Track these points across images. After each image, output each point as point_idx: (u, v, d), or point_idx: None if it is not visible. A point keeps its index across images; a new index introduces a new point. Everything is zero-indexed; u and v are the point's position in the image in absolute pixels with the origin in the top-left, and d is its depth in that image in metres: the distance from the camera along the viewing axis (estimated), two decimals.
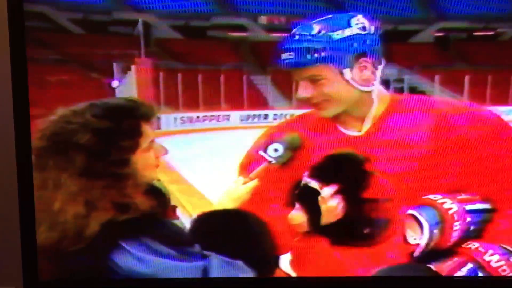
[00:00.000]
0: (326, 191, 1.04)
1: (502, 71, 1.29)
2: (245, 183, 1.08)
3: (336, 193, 1.04)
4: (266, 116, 1.54)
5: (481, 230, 1.07)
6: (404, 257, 1.07)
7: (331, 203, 1.04)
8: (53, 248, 0.91)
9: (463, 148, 1.06)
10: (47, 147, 0.92)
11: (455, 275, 1.06)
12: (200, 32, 1.36)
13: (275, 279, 1.13)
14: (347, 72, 1.03)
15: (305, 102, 1.07)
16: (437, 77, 1.43)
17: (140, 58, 1.34)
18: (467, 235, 1.06)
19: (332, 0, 1.17)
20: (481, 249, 1.05)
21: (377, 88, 1.07)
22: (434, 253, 1.06)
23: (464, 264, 1.06)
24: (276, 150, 1.08)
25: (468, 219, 1.05)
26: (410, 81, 1.31)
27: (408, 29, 1.31)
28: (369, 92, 1.06)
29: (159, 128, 1.21)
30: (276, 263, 1.12)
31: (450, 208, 1.04)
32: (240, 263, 0.97)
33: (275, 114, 1.48)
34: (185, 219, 1.08)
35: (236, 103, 1.52)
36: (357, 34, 1.02)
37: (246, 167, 1.12)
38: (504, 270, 1.05)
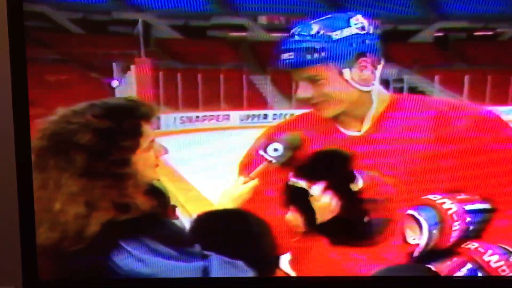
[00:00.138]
0: (316, 189, 1.03)
1: (502, 71, 1.29)
2: (245, 182, 1.08)
3: (326, 189, 1.04)
4: (265, 116, 1.53)
5: (481, 230, 1.07)
6: (404, 257, 1.07)
7: (324, 200, 1.04)
8: (53, 248, 0.92)
9: (462, 148, 1.06)
10: (47, 147, 0.92)
11: (455, 275, 1.06)
12: (200, 32, 1.36)
13: (275, 279, 1.13)
14: (346, 72, 1.03)
15: (305, 102, 1.07)
16: (436, 77, 1.43)
17: (139, 58, 1.34)
18: (466, 235, 1.06)
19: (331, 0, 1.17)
20: (480, 249, 1.05)
21: (376, 88, 1.07)
22: (434, 253, 1.06)
23: (463, 264, 1.06)
24: (276, 149, 1.08)
25: (468, 219, 1.05)
26: (410, 81, 1.31)
27: (408, 29, 1.31)
28: (369, 92, 1.06)
29: (159, 128, 1.21)
30: (276, 263, 1.12)
31: (450, 208, 1.04)
32: (240, 263, 0.97)
33: (274, 114, 1.47)
34: (185, 219, 1.09)
35: (235, 103, 1.51)
36: (357, 34, 1.02)
37: (246, 167, 1.12)
38: (503, 270, 1.05)
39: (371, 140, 1.09)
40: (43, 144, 0.93)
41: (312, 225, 1.06)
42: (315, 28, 1.03)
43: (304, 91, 1.05)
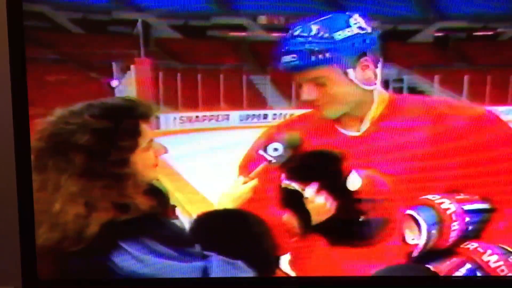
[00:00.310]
0: (309, 191, 1.03)
1: (502, 71, 1.29)
2: (245, 182, 1.08)
3: (319, 190, 1.04)
4: (265, 116, 1.54)
5: (480, 230, 1.07)
6: (403, 257, 1.07)
7: (318, 201, 1.03)
8: (53, 249, 0.91)
9: (461, 148, 1.06)
10: (46, 148, 0.92)
11: (454, 275, 1.06)
12: (199, 32, 1.36)
13: (275, 279, 1.13)
14: (351, 72, 1.03)
15: (309, 104, 1.07)
16: (436, 77, 1.43)
17: (139, 57, 1.34)
18: (465, 235, 1.06)
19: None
20: (479, 249, 1.05)
21: (378, 87, 1.07)
22: (433, 253, 1.06)
23: (462, 264, 1.06)
24: (276, 149, 1.08)
25: (467, 219, 1.05)
26: (409, 81, 1.31)
27: (407, 29, 1.31)
28: (371, 92, 1.06)
29: (158, 128, 1.21)
30: (276, 263, 1.12)
31: (448, 208, 1.04)
32: (240, 263, 0.97)
33: (274, 114, 1.48)
34: (184, 219, 1.09)
35: (235, 103, 1.52)
36: (357, 33, 1.02)
37: (246, 167, 1.12)
38: (502, 270, 1.05)
39: (370, 140, 1.09)
40: (41, 145, 0.93)
41: (307, 227, 1.06)
42: (315, 28, 1.03)
43: (308, 93, 1.05)
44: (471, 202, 1.06)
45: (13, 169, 1.10)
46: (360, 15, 1.04)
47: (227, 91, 1.47)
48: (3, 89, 1.11)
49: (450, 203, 1.04)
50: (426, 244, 1.04)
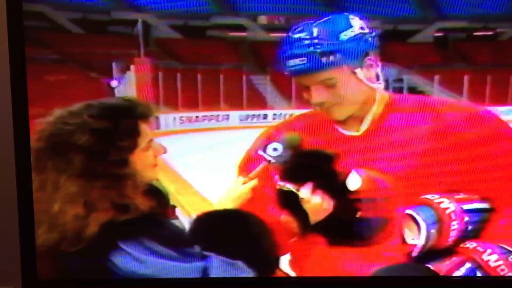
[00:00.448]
0: (304, 191, 1.03)
1: (502, 71, 1.29)
2: (244, 183, 1.08)
3: (314, 190, 1.04)
4: (265, 116, 1.54)
5: (479, 229, 1.07)
6: (403, 257, 1.07)
7: (314, 200, 1.03)
8: (52, 249, 0.91)
9: (461, 148, 1.06)
10: (45, 148, 0.92)
11: (454, 274, 1.06)
12: (199, 32, 1.36)
13: (275, 279, 1.13)
14: (359, 71, 1.03)
15: (318, 106, 1.07)
16: (436, 77, 1.43)
17: (139, 57, 1.34)
18: (465, 235, 1.06)
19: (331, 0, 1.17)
20: (479, 248, 1.05)
21: (382, 86, 1.08)
22: (433, 253, 1.06)
23: (462, 264, 1.06)
24: (275, 149, 1.08)
25: (466, 218, 1.05)
26: (409, 81, 1.31)
27: (407, 29, 1.31)
28: (374, 92, 1.07)
29: (158, 128, 1.21)
30: (276, 263, 1.12)
31: (448, 208, 1.04)
32: (240, 263, 0.97)
33: (274, 114, 1.48)
34: (184, 219, 1.09)
35: (235, 103, 1.52)
36: (360, 33, 1.03)
37: (246, 167, 1.12)
38: (502, 270, 1.05)
39: (370, 140, 1.09)
40: (40, 145, 0.93)
41: (306, 227, 1.06)
42: (318, 30, 1.02)
43: (318, 95, 1.04)
44: (471, 201, 1.06)
45: (13, 169, 1.10)
46: (359, 16, 1.04)
47: (227, 91, 1.47)
48: (3, 89, 1.11)
49: (449, 203, 1.04)
50: (425, 243, 1.04)
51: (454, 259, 1.06)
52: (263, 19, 1.34)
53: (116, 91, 1.29)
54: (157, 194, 0.99)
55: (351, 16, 1.04)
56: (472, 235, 1.06)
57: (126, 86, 1.32)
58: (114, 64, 1.31)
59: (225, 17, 1.36)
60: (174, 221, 1.04)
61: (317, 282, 1.15)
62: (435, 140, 1.06)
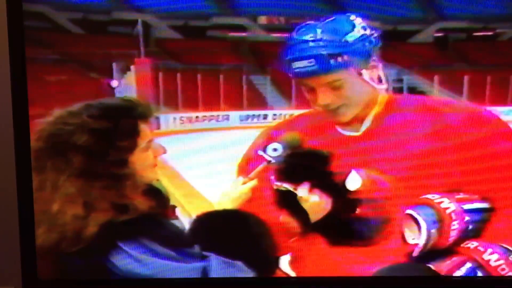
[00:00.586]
0: (302, 191, 1.03)
1: (502, 71, 1.29)
2: (244, 183, 1.08)
3: (312, 189, 1.03)
4: (265, 116, 1.53)
5: (480, 229, 1.07)
6: (403, 257, 1.07)
7: (313, 199, 1.03)
8: (52, 249, 0.91)
9: (461, 148, 1.06)
10: (44, 148, 0.92)
11: (454, 274, 1.06)
12: (199, 32, 1.36)
13: (275, 279, 1.13)
14: (364, 72, 1.03)
15: (324, 109, 1.07)
16: (436, 77, 1.43)
17: (139, 58, 1.34)
18: (465, 235, 1.06)
19: (332, 0, 1.17)
20: (480, 248, 1.05)
21: (386, 86, 1.08)
22: (433, 252, 1.06)
23: (463, 264, 1.06)
24: (275, 149, 1.08)
25: (466, 218, 1.05)
26: (409, 81, 1.31)
27: (407, 29, 1.31)
28: (377, 92, 1.07)
29: (158, 128, 1.21)
30: (276, 264, 1.12)
31: (448, 208, 1.04)
32: (240, 263, 0.97)
33: (274, 114, 1.47)
34: (184, 220, 1.08)
35: (235, 103, 1.51)
36: (363, 34, 1.03)
37: (246, 167, 1.12)
38: (503, 269, 1.05)
39: (370, 140, 1.09)
40: (40, 145, 0.93)
41: (307, 225, 1.06)
42: (324, 31, 1.02)
43: (324, 97, 1.04)
44: (471, 201, 1.06)
45: (13, 169, 1.10)
46: (361, 16, 1.04)
47: (227, 91, 1.47)
48: (3, 89, 1.11)
49: (450, 202, 1.04)
50: (426, 243, 1.04)
51: (455, 259, 1.06)
52: (263, 19, 1.34)
53: (116, 91, 1.29)
54: (157, 194, 0.99)
55: (352, 17, 1.04)
56: (472, 235, 1.06)
57: (126, 86, 1.32)
58: (114, 64, 1.31)
59: (225, 17, 1.36)
60: (174, 221, 1.04)
61: (317, 282, 1.15)
62: (435, 140, 1.06)
